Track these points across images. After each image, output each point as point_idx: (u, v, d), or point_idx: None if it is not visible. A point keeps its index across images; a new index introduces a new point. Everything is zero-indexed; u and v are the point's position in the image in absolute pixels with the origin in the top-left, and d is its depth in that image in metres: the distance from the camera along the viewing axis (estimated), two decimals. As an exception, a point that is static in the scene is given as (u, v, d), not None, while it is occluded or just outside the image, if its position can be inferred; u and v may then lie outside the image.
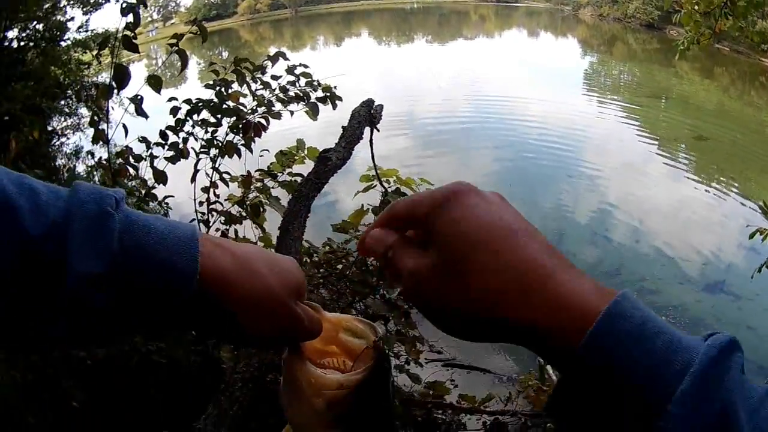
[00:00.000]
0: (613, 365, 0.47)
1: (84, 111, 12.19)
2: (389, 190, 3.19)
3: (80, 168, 11.17)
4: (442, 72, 25.41)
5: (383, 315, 3.39)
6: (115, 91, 3.30)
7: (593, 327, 0.47)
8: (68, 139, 13.14)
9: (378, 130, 3.23)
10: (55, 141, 12.86)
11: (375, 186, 3.24)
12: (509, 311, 0.50)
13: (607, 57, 37.40)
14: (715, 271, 9.48)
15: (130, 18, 3.23)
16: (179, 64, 3.57)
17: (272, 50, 3.87)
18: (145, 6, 3.40)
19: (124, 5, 3.13)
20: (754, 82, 30.94)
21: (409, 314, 3.37)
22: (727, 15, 4.84)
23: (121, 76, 3.26)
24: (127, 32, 3.23)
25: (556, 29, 50.75)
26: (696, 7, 4.71)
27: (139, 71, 3.49)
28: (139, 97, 3.43)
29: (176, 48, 3.47)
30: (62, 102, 13.33)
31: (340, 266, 3.44)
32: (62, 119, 13.48)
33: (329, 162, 3.21)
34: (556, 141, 15.77)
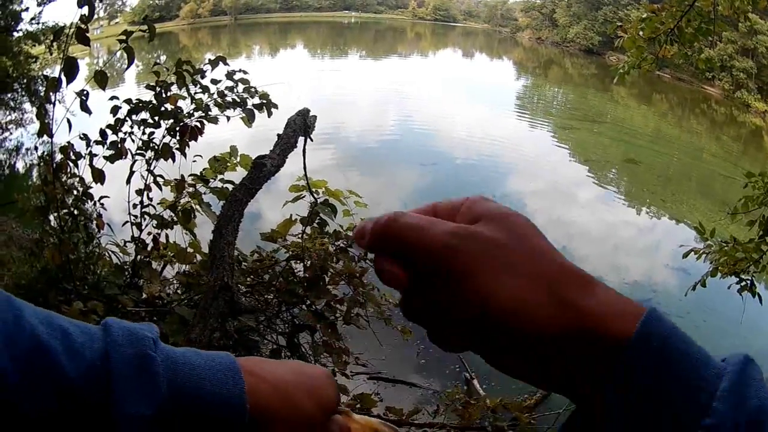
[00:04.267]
0: (662, 361, 0.46)
1: (27, 106, 11.90)
2: (318, 201, 3.19)
3: (20, 165, 10.87)
4: (368, 88, 25.37)
5: (310, 325, 3.37)
6: (63, 84, 3.25)
7: (641, 323, 0.47)
8: (11, 134, 12.76)
9: (312, 140, 3.24)
10: (-4, 134, 12.47)
11: (304, 196, 3.24)
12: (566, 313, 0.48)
13: (542, 80, 38.02)
14: (642, 291, 9.67)
15: (85, 10, 3.19)
16: (120, 65, 3.53)
17: (209, 57, 3.83)
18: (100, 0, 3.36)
19: (81, -3, 3.10)
20: (695, 109, 32.05)
21: (335, 325, 3.37)
22: (673, 41, 5.00)
23: (71, 69, 3.21)
24: (81, 25, 3.19)
25: (492, 50, 51.54)
26: (641, 32, 4.84)
27: (81, 69, 3.44)
28: (84, 92, 3.39)
29: (125, 45, 3.43)
30: (8, 95, 12.95)
31: (267, 275, 3.41)
32: (7, 113, 13.08)
33: (264, 168, 3.20)
34: (483, 160, 15.95)
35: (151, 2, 44.74)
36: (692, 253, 4.98)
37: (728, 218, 5.04)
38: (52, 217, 3.98)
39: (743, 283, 4.98)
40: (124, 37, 3.43)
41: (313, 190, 3.25)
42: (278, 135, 3.22)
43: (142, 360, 0.57)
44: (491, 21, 65.46)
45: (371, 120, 19.41)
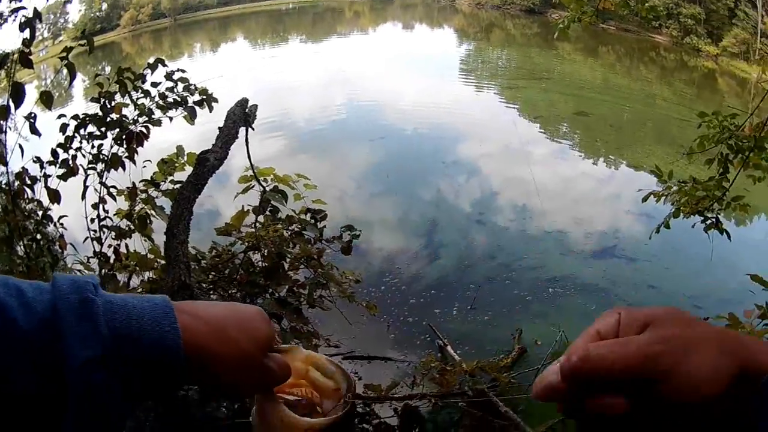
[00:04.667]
0: None
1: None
2: (267, 188, 3.18)
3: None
4: (312, 71, 25.18)
5: (275, 313, 3.37)
6: (12, 110, 3.24)
7: None
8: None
9: (253, 129, 3.23)
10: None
11: (253, 186, 3.23)
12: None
13: (485, 44, 37.95)
14: (604, 239, 9.74)
15: (27, 34, 3.18)
16: (66, 82, 3.51)
17: (152, 60, 3.82)
18: (41, 21, 3.34)
19: (23, 20, 3.08)
20: (644, 57, 32.15)
21: (300, 310, 3.37)
22: (614, -8, 4.99)
23: (17, 94, 3.20)
24: (24, 48, 3.18)
25: (432, 20, 51.45)
26: (580, -14, 4.84)
27: (29, 92, 3.41)
28: (32, 114, 3.38)
29: (66, 61, 3.41)
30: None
31: (227, 270, 3.40)
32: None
33: (207, 163, 3.19)
34: (432, 129, 15.88)
35: (92, 15, 44.37)
36: (651, 196, 5.00)
37: (685, 159, 5.07)
38: (18, 246, 3.97)
39: (708, 222, 5.02)
40: (65, 54, 3.42)
41: (261, 178, 3.24)
42: (219, 128, 3.21)
43: (84, 304, 0.60)
44: None
45: (317, 102, 19.24)
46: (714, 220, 5.00)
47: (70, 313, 0.60)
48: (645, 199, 5.05)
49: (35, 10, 3.20)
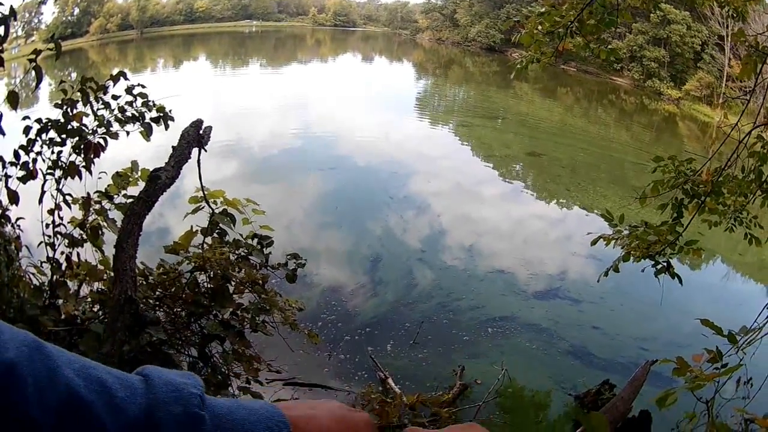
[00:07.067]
0: None
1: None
2: (217, 211, 3.20)
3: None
4: (269, 97, 25.18)
5: (218, 335, 3.39)
6: None
7: None
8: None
9: (206, 150, 3.26)
10: None
11: (203, 207, 3.25)
12: None
13: (443, 80, 38.45)
14: (550, 281, 9.86)
15: (0, 30, 3.18)
16: (34, 83, 3.53)
17: (115, 72, 3.84)
18: (16, 19, 3.35)
19: (-2, 17, 3.08)
20: (603, 100, 32.66)
21: (243, 333, 3.39)
22: (574, 34, 5.08)
23: None
24: None
25: (392, 53, 52.10)
26: (540, 27, 4.91)
27: None
28: None
29: (34, 64, 3.42)
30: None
31: (173, 288, 3.41)
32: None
33: (159, 180, 3.21)
34: (383, 163, 15.97)
35: (64, 19, 44.25)
36: (601, 239, 5.07)
37: (637, 204, 5.17)
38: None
39: (659, 266, 5.10)
40: (33, 57, 3.42)
41: (211, 200, 3.27)
42: (172, 147, 3.23)
43: (191, 419, 0.57)
44: (391, 24, 66.28)
45: (272, 129, 19.45)
46: (665, 264, 5.09)
47: (173, 426, 0.55)
48: (594, 243, 5.12)
49: (11, 8, 3.19)
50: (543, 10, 4.85)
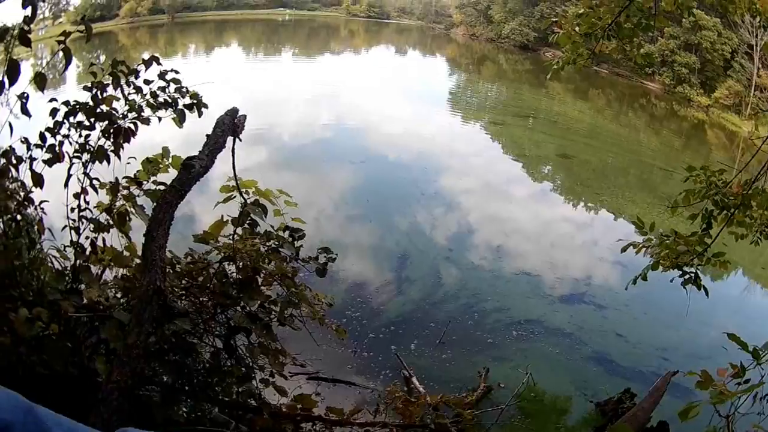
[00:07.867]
0: None
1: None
2: (248, 201, 3.16)
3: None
4: (301, 86, 25.16)
5: (245, 327, 3.35)
6: (6, 86, 3.21)
7: None
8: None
9: (240, 140, 3.21)
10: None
11: (234, 197, 3.21)
12: None
13: (476, 76, 38.24)
14: (576, 285, 9.76)
15: (28, 11, 3.14)
16: (61, 66, 3.48)
17: (146, 56, 3.79)
18: (43, 0, 3.31)
19: (25, -3, 3.05)
20: (633, 103, 32.44)
21: (270, 327, 3.34)
22: (611, 37, 5.01)
23: (13, 72, 3.16)
24: (24, 26, 3.14)
25: (426, 47, 51.80)
26: (577, 28, 4.85)
27: (24, 70, 3.38)
28: (25, 95, 3.34)
29: (63, 46, 3.38)
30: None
31: (201, 278, 3.37)
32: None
33: (192, 169, 3.16)
34: (414, 157, 15.90)
35: (93, 1, 44.32)
36: (631, 247, 5.00)
37: (668, 212, 5.08)
38: (-3, 223, 3.92)
39: (686, 276, 5.03)
40: (62, 38, 3.39)
41: (243, 190, 3.22)
42: (206, 135, 3.18)
43: None
44: (425, 18, 66.23)
45: (303, 118, 19.34)
46: (693, 275, 5.02)
47: None
48: (624, 250, 5.05)
49: (40, -12, 3.16)
50: (581, 11, 4.78)
